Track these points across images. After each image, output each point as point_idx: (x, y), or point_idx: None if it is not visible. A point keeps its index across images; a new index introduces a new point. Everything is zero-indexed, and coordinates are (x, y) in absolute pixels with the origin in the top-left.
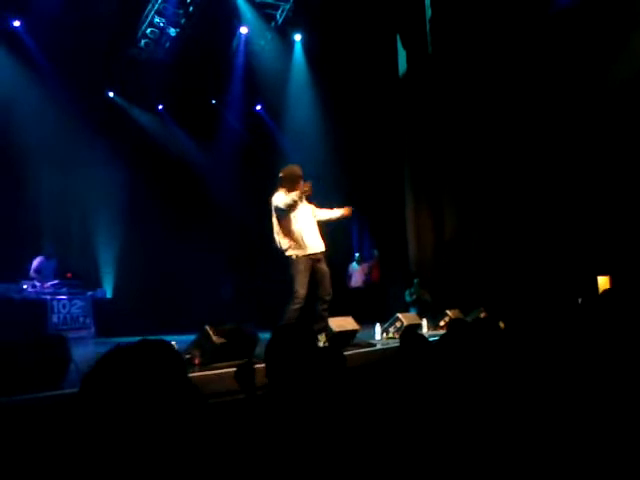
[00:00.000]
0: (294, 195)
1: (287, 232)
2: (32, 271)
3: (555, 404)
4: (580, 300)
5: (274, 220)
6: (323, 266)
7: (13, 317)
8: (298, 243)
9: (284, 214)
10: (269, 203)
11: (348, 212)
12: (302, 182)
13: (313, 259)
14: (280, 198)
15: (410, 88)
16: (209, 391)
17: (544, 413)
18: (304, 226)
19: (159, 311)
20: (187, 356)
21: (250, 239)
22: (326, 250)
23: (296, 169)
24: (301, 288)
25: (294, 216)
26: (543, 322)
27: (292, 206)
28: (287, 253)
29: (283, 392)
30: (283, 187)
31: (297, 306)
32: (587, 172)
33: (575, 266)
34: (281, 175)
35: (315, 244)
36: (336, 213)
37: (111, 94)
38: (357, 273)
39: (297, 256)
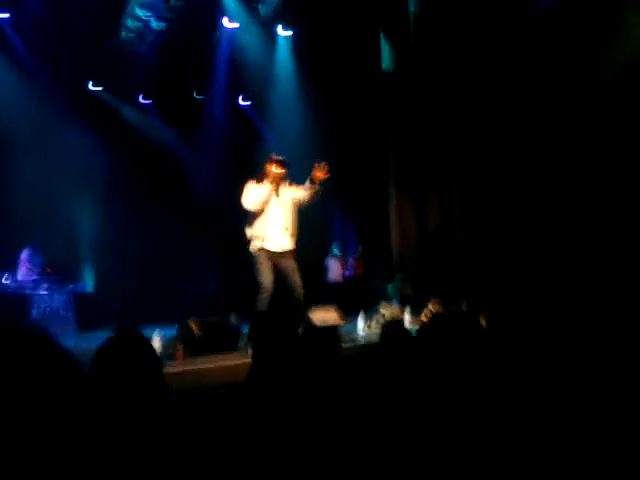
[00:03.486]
0: (252, 203)
1: (251, 224)
2: (23, 261)
3: (536, 398)
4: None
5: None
6: (288, 262)
7: None
8: (259, 237)
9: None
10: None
11: (320, 172)
12: (273, 170)
13: (274, 255)
14: (245, 191)
15: (394, 82)
16: (196, 385)
17: (525, 407)
18: (270, 221)
19: (142, 304)
20: (170, 349)
21: (234, 230)
22: (295, 248)
23: (268, 158)
24: (263, 278)
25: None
26: (524, 315)
27: (255, 206)
28: (250, 246)
29: (269, 379)
30: (257, 177)
31: (264, 295)
32: (573, 165)
33: (558, 260)
34: None
35: (277, 243)
36: (308, 186)
37: (93, 86)
38: (333, 266)
39: (256, 250)
